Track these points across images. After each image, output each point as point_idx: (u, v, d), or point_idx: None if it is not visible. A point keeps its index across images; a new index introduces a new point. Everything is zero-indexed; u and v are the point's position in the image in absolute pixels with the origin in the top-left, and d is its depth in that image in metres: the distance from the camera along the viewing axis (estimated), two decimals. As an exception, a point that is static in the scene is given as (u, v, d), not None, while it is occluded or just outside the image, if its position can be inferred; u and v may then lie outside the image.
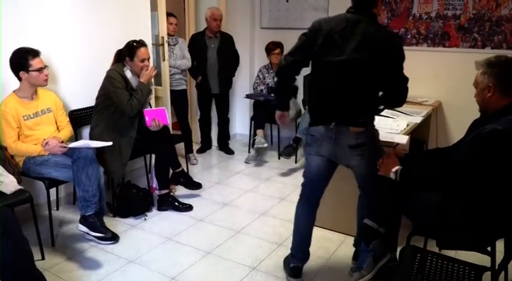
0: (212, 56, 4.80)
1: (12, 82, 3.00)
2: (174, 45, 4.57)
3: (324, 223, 3.23)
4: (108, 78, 3.29)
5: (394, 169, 2.22)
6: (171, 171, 3.71)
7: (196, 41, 4.85)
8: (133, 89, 3.36)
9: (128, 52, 3.33)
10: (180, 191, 3.95)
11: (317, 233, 3.20)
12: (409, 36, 4.47)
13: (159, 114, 3.40)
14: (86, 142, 2.98)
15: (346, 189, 3.02)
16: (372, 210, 2.52)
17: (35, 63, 2.90)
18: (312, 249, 2.88)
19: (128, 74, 3.35)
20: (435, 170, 2.14)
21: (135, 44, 3.34)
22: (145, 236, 3.19)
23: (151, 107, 3.58)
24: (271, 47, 4.90)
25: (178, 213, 3.54)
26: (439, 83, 4.36)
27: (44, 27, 3.29)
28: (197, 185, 3.82)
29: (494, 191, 1.99)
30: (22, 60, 2.89)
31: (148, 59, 3.40)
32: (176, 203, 3.58)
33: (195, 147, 5.11)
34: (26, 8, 3.15)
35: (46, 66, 2.99)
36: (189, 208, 3.59)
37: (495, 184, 1.98)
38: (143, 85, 3.33)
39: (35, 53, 2.92)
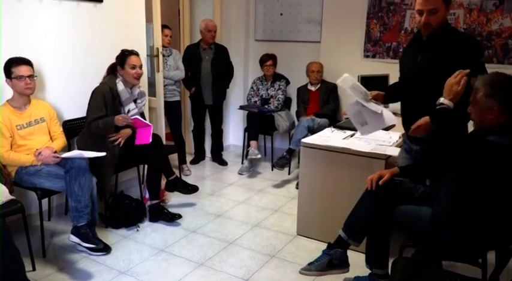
0: (206, 68, 4.83)
1: (7, 91, 3.02)
2: (168, 56, 4.59)
3: (317, 234, 3.24)
4: (94, 93, 3.31)
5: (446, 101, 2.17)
6: (164, 181, 3.70)
7: (191, 52, 4.88)
8: (122, 104, 3.37)
9: (119, 61, 3.36)
10: (173, 200, 3.95)
11: (310, 245, 3.21)
12: (401, 50, 4.52)
13: (144, 132, 3.36)
14: (79, 152, 2.97)
15: (339, 201, 3.03)
16: (347, 222, 2.58)
17: (16, 71, 2.92)
18: (305, 261, 2.89)
19: (120, 86, 3.35)
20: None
21: (126, 52, 3.37)
22: (138, 247, 3.18)
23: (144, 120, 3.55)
24: (265, 59, 4.94)
25: (170, 224, 3.52)
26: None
27: (40, 38, 3.30)
28: (194, 188, 3.78)
29: (487, 203, 2.01)
30: (5, 68, 2.93)
31: (140, 67, 3.41)
32: (169, 215, 3.54)
33: (189, 158, 5.11)
34: (22, 19, 3.17)
35: (31, 75, 2.98)
36: (178, 217, 3.54)
37: (488, 196, 2.00)
38: (110, 123, 3.24)
39: (19, 62, 2.94)
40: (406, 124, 2.66)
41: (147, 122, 3.39)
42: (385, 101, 2.81)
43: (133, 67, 3.35)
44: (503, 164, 1.94)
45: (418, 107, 2.49)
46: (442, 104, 2.16)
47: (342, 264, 2.69)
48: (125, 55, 3.35)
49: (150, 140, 3.34)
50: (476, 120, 2.12)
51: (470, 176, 2.00)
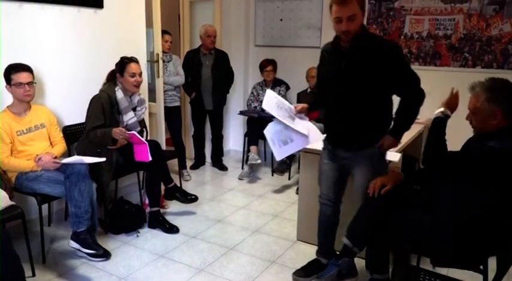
0: (206, 73, 4.84)
1: (9, 97, 3.02)
2: (168, 62, 4.60)
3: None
4: (92, 101, 3.29)
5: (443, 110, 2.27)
6: (163, 187, 3.70)
7: (191, 57, 4.90)
8: (120, 112, 3.36)
9: (119, 68, 3.34)
10: (173, 206, 3.94)
11: (310, 250, 3.19)
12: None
13: (141, 150, 3.34)
14: (79, 158, 2.97)
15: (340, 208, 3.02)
16: (349, 229, 2.55)
17: (16, 77, 2.92)
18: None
19: (119, 94, 3.33)
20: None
21: (125, 60, 3.35)
22: (137, 253, 3.17)
23: (141, 135, 3.53)
24: (264, 64, 4.95)
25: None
26: (431, 101, 4.36)
27: (40, 44, 3.31)
28: (193, 198, 3.75)
29: (487, 209, 2.01)
30: (5, 75, 2.93)
31: (140, 74, 3.39)
32: (166, 225, 3.53)
33: (189, 163, 5.11)
34: (22, 26, 3.18)
35: (31, 82, 2.99)
36: (175, 230, 3.51)
37: (489, 202, 2.00)
38: (108, 134, 3.19)
39: (19, 68, 2.94)
40: (331, 132, 2.67)
41: (143, 139, 3.33)
42: (309, 112, 2.79)
43: (133, 75, 3.32)
44: (504, 169, 1.94)
45: (346, 113, 2.48)
46: (440, 113, 2.20)
47: (351, 273, 2.66)
48: (124, 63, 3.34)
49: (150, 159, 3.29)
50: (478, 127, 2.12)
51: (471, 181, 2.00)
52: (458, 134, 2.30)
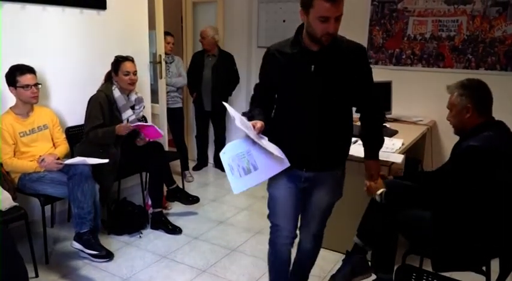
0: (207, 74, 4.85)
1: (11, 98, 3.03)
2: (171, 63, 4.62)
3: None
4: (90, 101, 3.31)
5: (378, 192, 2.30)
6: (166, 189, 3.70)
7: (197, 58, 4.93)
8: (119, 110, 3.36)
9: (114, 67, 3.36)
10: (176, 207, 3.94)
11: (313, 251, 3.19)
12: (404, 57, 4.53)
13: (150, 131, 3.41)
14: (82, 159, 2.97)
15: (342, 208, 3.02)
16: (360, 228, 2.56)
17: (22, 79, 2.92)
18: (307, 268, 2.87)
19: (116, 93, 3.34)
20: (418, 191, 2.20)
21: (120, 59, 3.36)
22: (140, 254, 3.17)
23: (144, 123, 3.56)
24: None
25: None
26: (434, 102, 4.39)
27: (42, 45, 3.32)
28: (194, 200, 3.79)
29: (483, 209, 2.00)
30: (10, 76, 2.93)
31: (135, 73, 3.39)
32: (169, 226, 3.53)
33: (191, 164, 5.11)
34: (26, 28, 3.19)
35: (37, 83, 3.00)
36: (178, 231, 3.52)
37: (483, 202, 2.00)
38: (110, 132, 3.23)
39: (24, 70, 2.94)
40: (298, 148, 2.13)
41: (148, 123, 3.39)
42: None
43: (127, 73, 3.33)
44: (484, 166, 1.95)
45: (320, 125, 2.08)
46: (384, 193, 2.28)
47: (364, 270, 2.62)
48: (118, 62, 3.35)
49: (162, 134, 3.37)
50: (456, 124, 2.22)
51: (461, 182, 2.01)
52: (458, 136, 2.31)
